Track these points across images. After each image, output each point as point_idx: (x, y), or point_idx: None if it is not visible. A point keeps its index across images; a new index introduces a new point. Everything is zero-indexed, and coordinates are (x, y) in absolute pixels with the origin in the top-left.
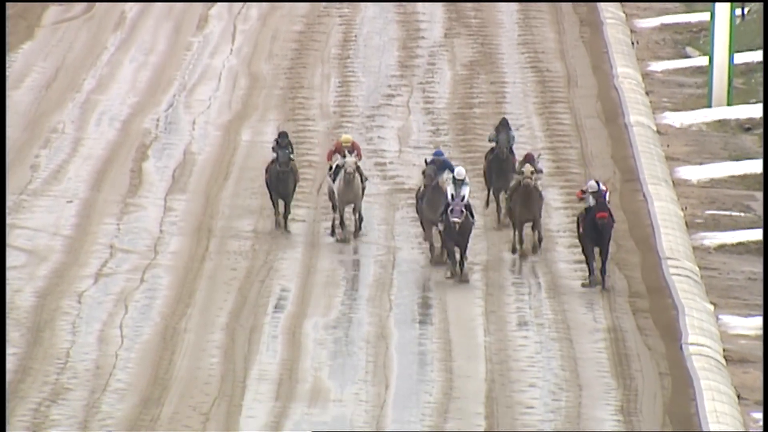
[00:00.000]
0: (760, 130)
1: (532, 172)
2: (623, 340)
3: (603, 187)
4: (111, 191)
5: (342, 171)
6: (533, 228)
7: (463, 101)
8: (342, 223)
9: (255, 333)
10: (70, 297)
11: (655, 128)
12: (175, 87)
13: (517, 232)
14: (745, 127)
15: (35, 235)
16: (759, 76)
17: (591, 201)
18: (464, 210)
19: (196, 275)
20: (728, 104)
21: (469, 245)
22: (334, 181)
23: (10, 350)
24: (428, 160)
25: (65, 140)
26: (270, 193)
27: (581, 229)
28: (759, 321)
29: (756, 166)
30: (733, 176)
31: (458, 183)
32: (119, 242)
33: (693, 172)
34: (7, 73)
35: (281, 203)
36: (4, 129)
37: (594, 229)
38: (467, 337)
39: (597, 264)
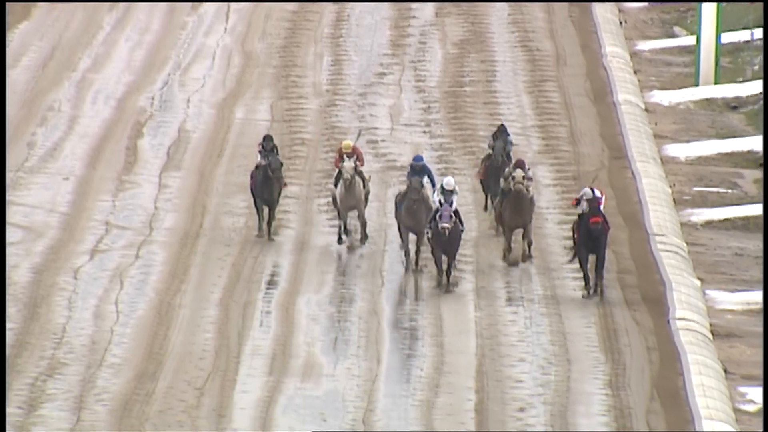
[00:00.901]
0: (747, 109)
1: (523, 178)
2: (611, 315)
3: (598, 194)
4: (106, 168)
5: (341, 177)
6: (523, 235)
7: (453, 79)
8: (346, 229)
9: (249, 309)
10: (66, 273)
11: (643, 106)
12: (170, 66)
13: (506, 239)
14: (731, 105)
15: (32, 211)
16: (746, 56)
17: (585, 208)
18: (453, 215)
19: (191, 251)
20: (715, 83)
21: (457, 254)
22: (336, 186)
23: (7, 325)
24: (408, 169)
25: (61, 118)
26: (254, 199)
27: (576, 237)
28: (745, 296)
29: (743, 144)
30: (720, 154)
31: (447, 193)
32: (115, 219)
33: (680, 150)
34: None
35: (265, 210)
36: (4, 108)
37: (588, 236)
38: (458, 312)
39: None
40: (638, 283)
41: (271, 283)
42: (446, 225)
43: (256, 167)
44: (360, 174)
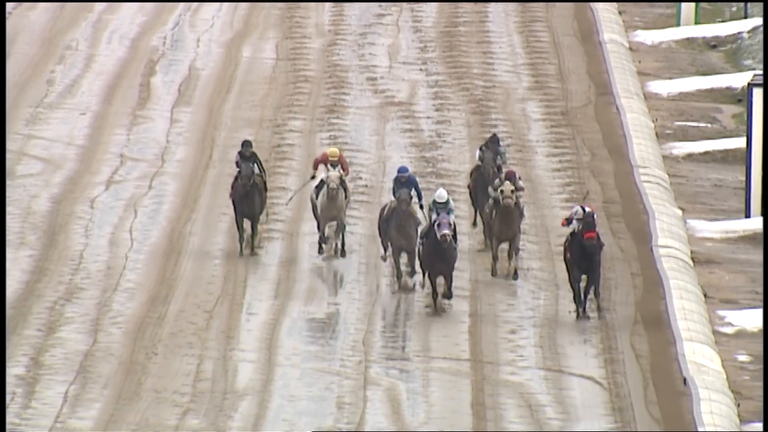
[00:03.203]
0: (726, 48)
1: (512, 191)
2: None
3: (589, 210)
4: (121, 104)
5: (325, 186)
6: (510, 247)
7: (448, 20)
8: (325, 239)
9: (255, 235)
10: (83, 203)
11: (627, 45)
12: (181, 7)
13: (493, 250)
14: (711, 44)
15: (51, 145)
16: None
17: (576, 227)
18: (451, 223)
19: (201, 182)
20: (696, 23)
21: (454, 273)
22: (317, 196)
23: (27, 252)
24: (393, 182)
25: (78, 57)
26: (235, 212)
27: (568, 255)
28: (724, 225)
29: (721, 81)
30: (700, 90)
31: (440, 206)
32: (129, 151)
33: (663, 87)
34: None
35: (247, 224)
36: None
37: (582, 254)
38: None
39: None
40: (623, 213)
41: (276, 213)
42: (446, 232)
43: (235, 177)
44: (343, 183)
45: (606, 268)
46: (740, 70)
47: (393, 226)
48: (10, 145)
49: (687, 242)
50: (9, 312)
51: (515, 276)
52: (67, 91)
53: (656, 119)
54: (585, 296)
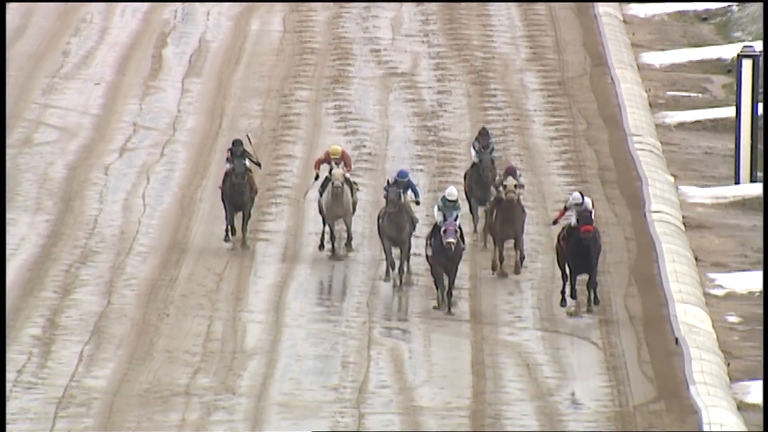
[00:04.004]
0: (716, 20)
1: (515, 186)
2: (593, 208)
3: (588, 201)
4: (134, 75)
5: (330, 184)
6: (515, 245)
7: None
8: (332, 237)
9: (263, 201)
10: (98, 169)
11: (621, 18)
12: None
13: (497, 249)
14: (702, 17)
15: (66, 114)
16: None
17: (573, 220)
18: (457, 230)
19: (211, 150)
20: None
21: (458, 273)
22: (322, 194)
23: (43, 217)
24: (390, 181)
25: (93, 29)
26: (225, 205)
27: (564, 249)
28: (714, 191)
29: (712, 53)
30: (691, 61)
31: (449, 205)
32: (142, 120)
33: (655, 58)
34: None
35: (237, 217)
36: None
37: (578, 248)
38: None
39: (581, 283)
40: (617, 179)
41: (284, 179)
42: (452, 240)
43: (226, 174)
44: (348, 182)
45: (601, 233)
46: (730, 42)
47: (386, 218)
48: (28, 114)
49: (679, 208)
50: (27, 274)
51: (517, 271)
52: (82, 62)
53: (649, 89)
54: (588, 291)
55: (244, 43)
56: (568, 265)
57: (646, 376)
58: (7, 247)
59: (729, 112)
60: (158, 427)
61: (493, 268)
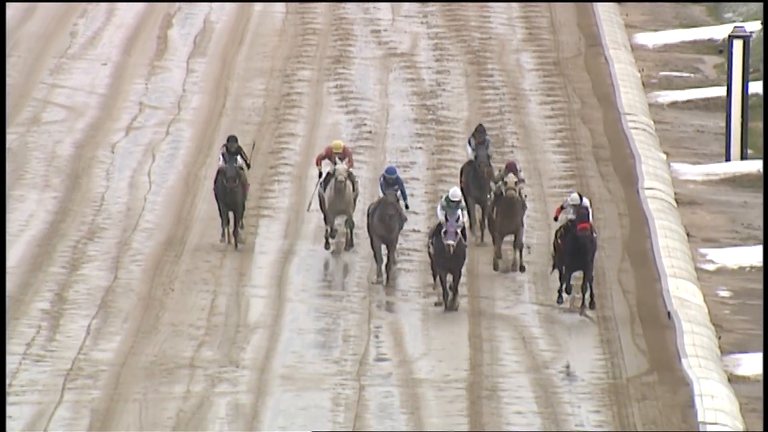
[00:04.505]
0: (708, 2)
1: (515, 183)
2: (587, 186)
3: (586, 201)
4: (140, 55)
5: (332, 179)
6: (515, 241)
7: None
8: (333, 233)
9: (266, 178)
10: (105, 147)
11: None
12: None
13: (496, 244)
14: None
15: (74, 93)
16: None
17: (570, 217)
18: (458, 232)
19: (215, 129)
20: None
21: (462, 272)
22: (324, 189)
23: (51, 194)
24: (385, 177)
25: (100, 10)
26: (218, 204)
27: (561, 246)
28: (706, 168)
29: (704, 33)
30: (684, 42)
31: (452, 205)
32: (147, 100)
33: (648, 38)
34: None
35: (230, 216)
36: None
37: (575, 245)
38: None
39: (578, 282)
40: (611, 157)
41: (285, 157)
42: (451, 242)
43: (219, 171)
44: (351, 177)
45: (595, 209)
46: (722, 23)
47: (376, 216)
48: (36, 93)
49: (671, 184)
50: (35, 250)
51: (522, 268)
52: (89, 42)
53: (642, 69)
54: (583, 292)
55: (247, 24)
56: (564, 262)
57: (639, 348)
58: (16, 223)
59: (720, 91)
60: (164, 399)
61: (495, 268)
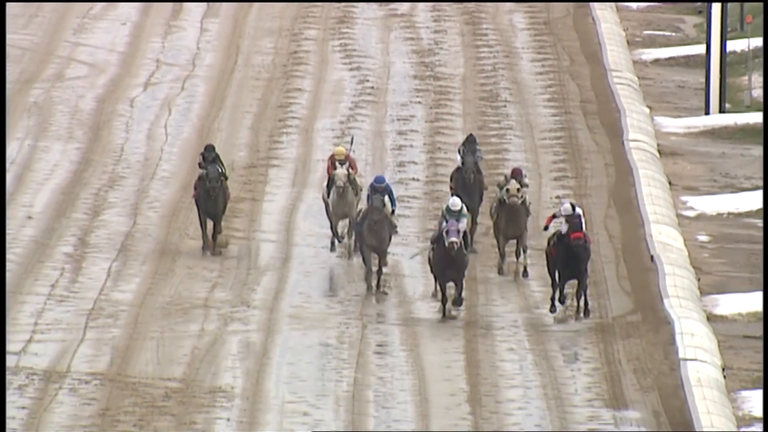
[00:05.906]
0: None
1: (518, 189)
2: (576, 138)
3: (579, 211)
4: (157, 15)
5: (333, 185)
6: (518, 244)
7: None
8: (337, 236)
9: (275, 131)
10: (124, 102)
11: None
12: None
13: (500, 248)
14: None
15: (95, 51)
16: None
17: (563, 227)
18: (460, 231)
19: (227, 84)
20: None
21: (464, 280)
22: (328, 194)
23: (75, 145)
24: (369, 189)
25: None
26: (198, 211)
27: (554, 254)
28: (686, 121)
29: None
30: (666, 3)
31: (453, 214)
32: (164, 57)
33: None
34: None
35: (209, 223)
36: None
37: (567, 255)
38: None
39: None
40: (598, 111)
41: (293, 111)
42: (454, 239)
43: (199, 178)
44: (352, 182)
45: (583, 159)
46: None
47: (365, 225)
48: (60, 51)
49: (654, 136)
50: (60, 197)
51: (525, 273)
52: (109, 3)
53: (627, 28)
54: (577, 299)
55: None
56: (558, 271)
57: (624, 290)
58: (42, 172)
59: (700, 49)
60: (179, 337)
61: (500, 272)
